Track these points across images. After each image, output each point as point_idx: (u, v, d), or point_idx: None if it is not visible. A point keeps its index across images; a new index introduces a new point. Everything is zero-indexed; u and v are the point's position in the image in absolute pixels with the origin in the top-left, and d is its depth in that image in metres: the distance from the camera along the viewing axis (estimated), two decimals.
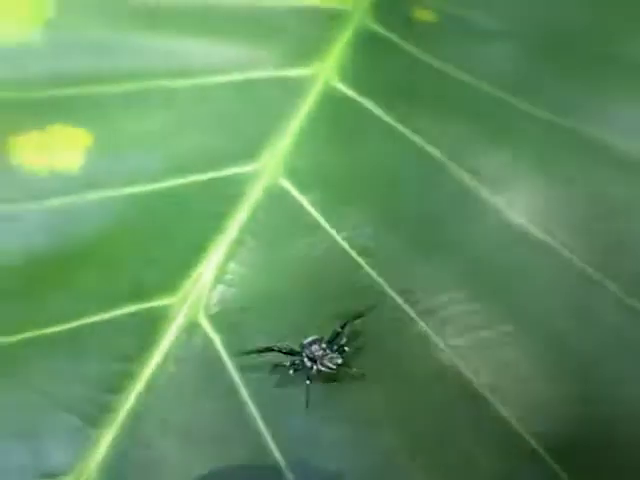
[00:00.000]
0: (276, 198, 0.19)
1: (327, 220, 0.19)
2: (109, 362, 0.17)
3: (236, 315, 0.17)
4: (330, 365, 0.17)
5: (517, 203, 0.19)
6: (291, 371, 0.17)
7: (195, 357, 0.17)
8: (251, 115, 0.22)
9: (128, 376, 0.17)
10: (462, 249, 0.18)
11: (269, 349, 0.17)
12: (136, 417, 0.16)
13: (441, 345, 0.17)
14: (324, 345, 0.17)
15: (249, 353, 0.17)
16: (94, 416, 0.16)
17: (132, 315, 0.18)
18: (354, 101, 0.22)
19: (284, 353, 0.17)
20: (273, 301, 0.18)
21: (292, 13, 0.24)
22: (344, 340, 0.17)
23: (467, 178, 0.20)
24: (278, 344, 0.17)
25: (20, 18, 0.24)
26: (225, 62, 0.23)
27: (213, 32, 0.24)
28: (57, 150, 0.21)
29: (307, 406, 0.16)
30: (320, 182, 0.19)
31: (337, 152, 0.20)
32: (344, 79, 0.22)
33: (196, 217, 0.19)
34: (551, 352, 0.17)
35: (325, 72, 0.22)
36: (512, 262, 0.18)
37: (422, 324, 0.17)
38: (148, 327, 0.18)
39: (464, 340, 0.17)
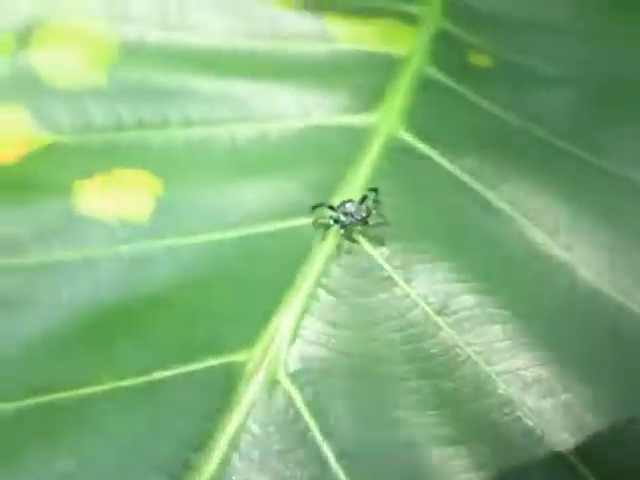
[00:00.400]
0: (348, 251, 0.19)
1: (401, 276, 0.19)
2: (190, 418, 0.17)
3: (317, 373, 0.17)
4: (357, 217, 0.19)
5: (585, 259, 0.19)
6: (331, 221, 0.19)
7: (277, 417, 0.17)
8: (315, 163, 0.22)
9: (210, 434, 0.17)
10: (537, 308, 0.18)
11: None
12: (220, 478, 0.16)
13: (524, 408, 0.17)
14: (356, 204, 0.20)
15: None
16: (179, 474, 0.16)
17: (210, 370, 0.18)
18: (418, 151, 0.22)
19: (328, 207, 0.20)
20: (353, 359, 0.18)
21: (350, 57, 0.24)
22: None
23: (536, 234, 0.20)
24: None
25: (84, 62, 0.24)
26: (287, 107, 0.23)
27: (275, 77, 0.24)
28: (124, 196, 0.21)
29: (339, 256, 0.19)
30: (391, 236, 0.20)
31: (404, 204, 0.21)
32: (407, 128, 0.22)
33: (269, 267, 0.20)
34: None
35: (388, 120, 0.23)
36: (586, 323, 0.18)
37: (503, 386, 0.17)
38: (227, 383, 0.18)
39: (547, 403, 0.17)
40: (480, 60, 0.25)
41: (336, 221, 0.19)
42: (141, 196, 0.21)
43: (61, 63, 0.24)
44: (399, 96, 0.23)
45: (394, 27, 0.26)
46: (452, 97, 0.24)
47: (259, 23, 0.25)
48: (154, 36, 0.24)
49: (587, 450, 0.16)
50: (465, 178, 0.21)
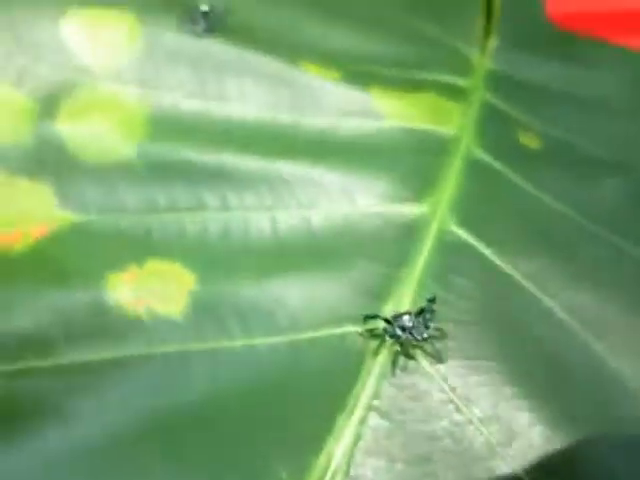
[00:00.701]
0: (403, 368, 0.18)
1: (462, 399, 0.18)
2: None
3: None
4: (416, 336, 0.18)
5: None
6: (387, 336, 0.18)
7: None
8: (363, 258, 0.21)
9: None
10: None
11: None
12: None
13: None
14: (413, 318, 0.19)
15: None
16: None
17: None
18: (472, 249, 0.20)
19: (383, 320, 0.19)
20: None
21: (398, 137, 0.23)
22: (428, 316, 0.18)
23: (592, 342, 0.19)
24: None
25: (114, 134, 0.22)
26: (331, 192, 0.22)
27: (320, 157, 0.22)
28: (158, 290, 0.20)
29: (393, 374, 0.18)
30: (450, 350, 0.18)
31: (462, 312, 0.19)
32: (459, 221, 0.21)
33: (317, 383, 0.18)
34: None
35: (439, 212, 0.21)
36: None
37: None
38: None
39: None
40: (529, 140, 0.24)
41: (392, 336, 0.18)
42: (176, 290, 0.20)
43: (89, 135, 0.22)
44: (449, 184, 0.22)
45: (440, 102, 0.24)
46: (503, 184, 0.22)
47: (302, 95, 0.23)
48: (190, 105, 0.23)
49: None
50: (524, 283, 0.20)
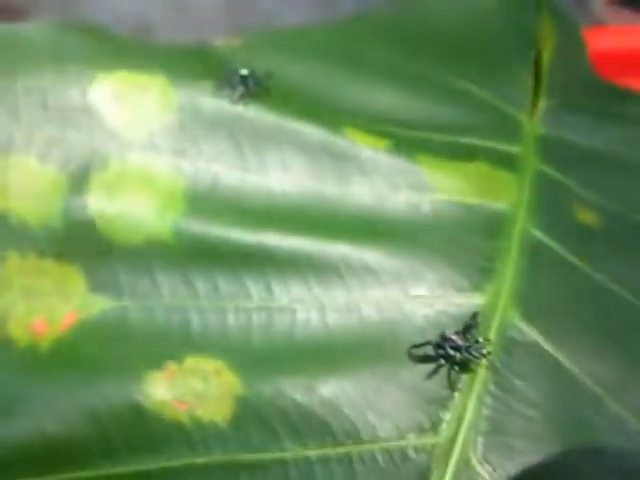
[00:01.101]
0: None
1: None
2: None
3: None
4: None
5: None
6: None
7: None
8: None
9: None
10: None
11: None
12: None
13: None
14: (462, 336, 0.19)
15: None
16: None
17: None
18: (536, 347, 0.19)
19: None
20: None
21: (451, 213, 0.22)
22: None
23: None
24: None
25: (148, 212, 0.20)
26: (381, 276, 0.20)
27: (369, 236, 0.21)
28: (200, 392, 0.18)
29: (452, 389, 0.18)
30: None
31: (524, 414, 0.18)
32: (522, 314, 0.19)
33: None
34: None
35: (501, 304, 0.20)
36: None
37: None
38: None
39: None
40: (588, 217, 0.23)
41: (446, 358, 0.18)
42: (219, 392, 0.18)
43: (120, 211, 0.20)
44: (508, 271, 0.20)
45: (491, 172, 0.23)
46: (563, 269, 0.21)
47: (347, 166, 0.22)
48: (228, 178, 0.21)
49: None
50: (588, 383, 0.19)
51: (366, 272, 0.20)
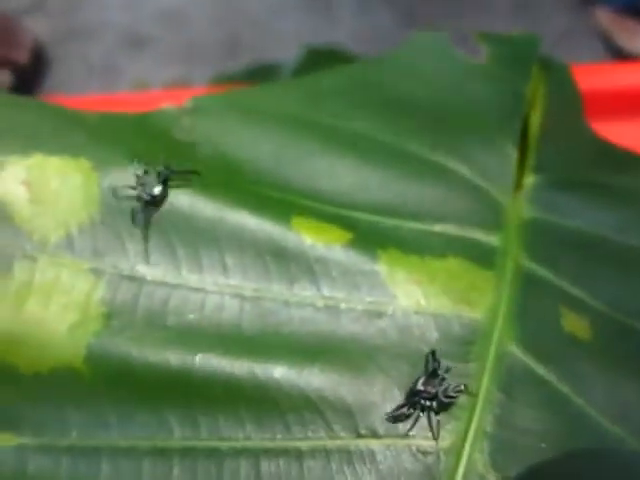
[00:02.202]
0: None
1: None
2: None
3: None
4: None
5: None
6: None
7: None
8: None
9: None
10: None
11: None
12: None
13: None
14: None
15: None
16: None
17: None
18: None
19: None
20: None
21: (418, 330, 0.19)
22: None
23: None
24: None
25: (59, 330, 0.18)
26: (328, 415, 0.17)
27: (314, 360, 0.18)
28: None
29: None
30: None
31: None
32: (489, 461, 0.17)
33: None
34: None
35: (465, 450, 0.17)
36: None
37: None
38: None
39: None
40: (576, 326, 0.19)
41: (423, 409, 0.17)
42: None
43: (25, 330, 0.17)
44: (477, 411, 0.17)
45: (467, 273, 0.20)
46: (547, 404, 0.18)
47: (296, 267, 0.19)
48: (155, 285, 0.18)
49: None
50: None
51: (308, 407, 0.17)
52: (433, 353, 0.18)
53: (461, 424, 0.17)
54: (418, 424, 0.17)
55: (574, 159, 0.24)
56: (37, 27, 0.95)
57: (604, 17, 0.93)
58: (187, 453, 0.16)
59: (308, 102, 0.24)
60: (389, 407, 0.17)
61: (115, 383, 0.17)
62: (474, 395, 0.17)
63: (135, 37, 0.96)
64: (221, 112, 0.23)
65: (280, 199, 0.20)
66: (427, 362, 0.18)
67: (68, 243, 0.18)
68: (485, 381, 0.18)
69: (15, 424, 0.17)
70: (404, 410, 0.17)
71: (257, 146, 0.22)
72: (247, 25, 0.96)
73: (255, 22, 0.98)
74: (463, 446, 0.17)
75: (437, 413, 0.17)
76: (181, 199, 0.19)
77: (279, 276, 0.19)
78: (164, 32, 0.95)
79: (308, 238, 0.19)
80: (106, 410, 0.17)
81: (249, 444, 0.17)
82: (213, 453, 0.16)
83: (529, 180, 0.23)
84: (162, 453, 0.16)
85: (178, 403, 0.17)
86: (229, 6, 1.00)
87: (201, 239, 0.19)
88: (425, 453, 0.17)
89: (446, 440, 0.17)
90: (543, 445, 0.17)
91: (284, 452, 0.16)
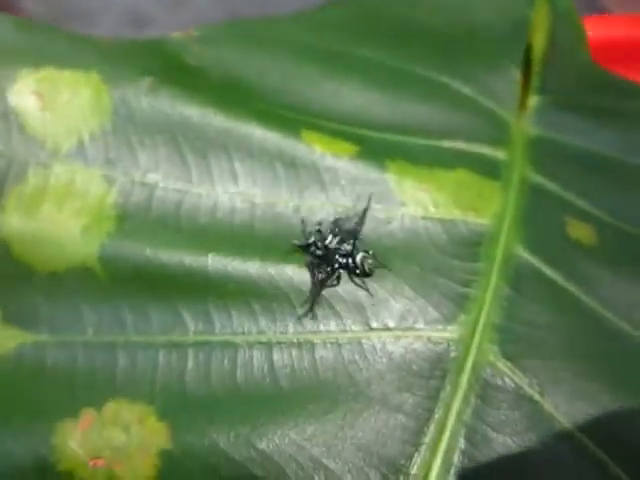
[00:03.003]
0: None
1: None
2: None
3: None
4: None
5: None
6: None
7: None
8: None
9: None
10: None
11: None
12: None
13: None
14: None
15: None
16: None
17: None
18: (517, 392, 0.16)
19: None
20: None
21: (424, 234, 0.19)
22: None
23: None
24: None
25: (74, 232, 0.18)
26: (341, 310, 0.18)
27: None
28: (120, 444, 0.16)
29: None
30: None
31: None
32: (501, 353, 0.17)
33: None
34: None
35: (475, 340, 0.17)
36: None
37: None
38: None
39: None
40: (582, 232, 0.20)
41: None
42: (141, 445, 0.16)
43: (40, 233, 0.18)
44: (488, 299, 0.18)
45: (473, 182, 0.20)
46: (551, 295, 0.18)
47: (305, 178, 0.19)
48: (167, 192, 0.18)
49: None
50: (574, 432, 0.16)
51: (319, 303, 0.17)
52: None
53: (470, 317, 0.17)
54: (430, 317, 0.17)
55: (576, 82, 0.24)
56: (34, 9, 0.96)
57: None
58: (201, 347, 0.17)
59: (315, 31, 0.24)
60: (399, 304, 0.17)
61: (129, 282, 0.17)
62: (482, 290, 0.18)
63: (135, 17, 0.96)
64: (229, 40, 0.23)
65: (289, 116, 0.21)
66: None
67: (80, 151, 0.19)
68: (494, 278, 0.18)
69: (32, 322, 0.17)
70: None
71: (265, 70, 0.22)
72: (247, 4, 0.96)
73: (256, 2, 0.98)
74: (473, 336, 0.17)
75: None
76: (191, 109, 0.19)
77: (289, 183, 0.19)
78: (164, 12, 0.95)
79: (318, 148, 0.20)
80: (121, 308, 0.17)
81: (262, 337, 0.17)
82: (227, 346, 0.17)
83: (533, 100, 0.23)
84: (177, 347, 0.17)
85: (192, 300, 0.17)
86: None
87: (211, 147, 0.19)
88: (436, 343, 0.17)
89: (456, 332, 0.17)
90: (552, 338, 0.17)
91: (297, 344, 0.17)
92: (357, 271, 0.18)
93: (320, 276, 0.17)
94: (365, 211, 0.18)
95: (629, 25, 0.35)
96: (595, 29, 0.32)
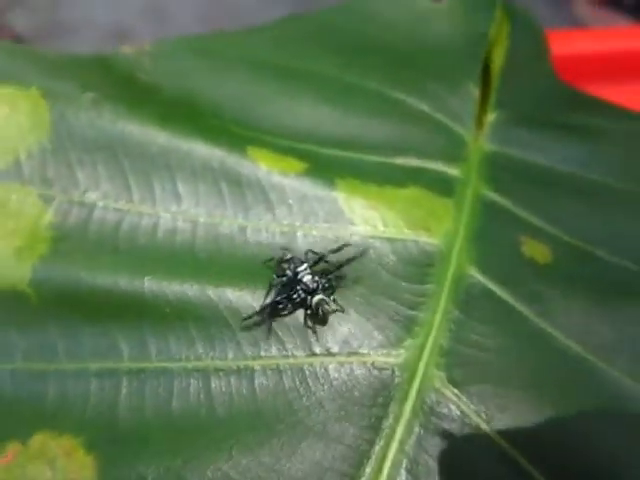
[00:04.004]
0: None
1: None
2: None
3: None
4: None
5: None
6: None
7: None
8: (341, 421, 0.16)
9: None
10: None
11: None
12: None
13: None
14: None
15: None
16: None
17: None
18: (462, 419, 0.16)
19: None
20: None
21: (373, 251, 0.18)
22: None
23: None
24: None
25: (6, 253, 0.17)
26: (283, 336, 0.17)
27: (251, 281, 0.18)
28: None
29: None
30: None
31: None
32: (445, 379, 0.16)
33: None
34: None
35: (420, 368, 0.16)
36: None
37: None
38: None
39: None
40: (537, 251, 0.19)
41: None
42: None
43: None
44: (436, 322, 0.17)
45: (425, 200, 0.19)
46: (502, 317, 0.17)
47: (252, 194, 0.18)
48: (106, 212, 0.18)
49: None
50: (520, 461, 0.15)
51: (262, 334, 0.17)
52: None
53: (417, 340, 0.17)
54: (375, 342, 0.17)
55: (536, 98, 0.24)
56: (18, 23, 0.95)
57: (583, 9, 0.94)
58: (136, 374, 0.16)
59: (273, 46, 0.24)
60: (344, 327, 0.17)
61: (62, 306, 0.17)
62: (432, 313, 0.17)
63: (119, 32, 0.95)
64: (183, 55, 0.23)
65: (237, 132, 0.20)
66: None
67: (16, 169, 0.18)
68: (443, 300, 0.17)
69: None
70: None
71: (220, 86, 0.21)
72: (232, 21, 0.96)
73: (239, 18, 0.98)
74: (419, 361, 0.16)
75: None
76: (133, 126, 0.19)
77: (234, 202, 0.18)
78: (148, 27, 0.95)
79: (263, 166, 0.19)
80: (53, 334, 0.16)
81: (200, 364, 0.16)
82: (162, 373, 0.16)
83: (491, 117, 0.22)
84: (110, 374, 0.16)
85: (127, 324, 0.16)
86: (213, 1, 1.00)
87: (153, 166, 0.18)
88: (380, 369, 0.16)
89: (401, 356, 0.16)
90: (501, 361, 0.17)
91: (236, 371, 0.16)
92: (311, 312, 0.17)
93: (277, 304, 0.17)
94: (339, 249, 0.18)
95: (603, 39, 0.35)
96: (568, 44, 0.32)
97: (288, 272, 0.17)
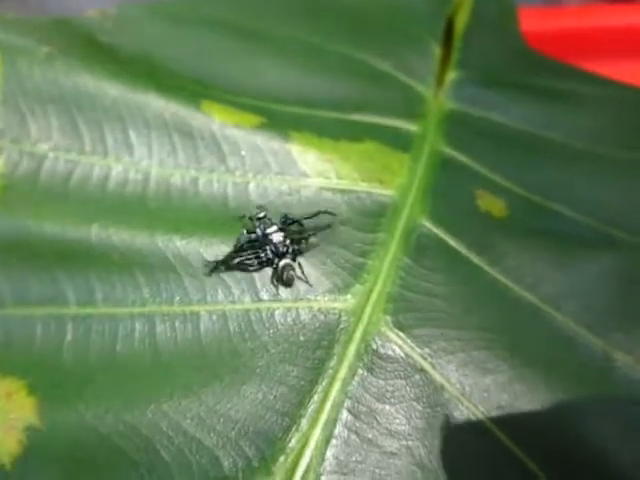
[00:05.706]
0: None
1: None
2: None
3: None
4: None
5: None
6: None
7: None
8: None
9: None
10: None
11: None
12: None
13: None
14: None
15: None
16: None
17: None
18: (407, 362, 0.16)
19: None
20: None
21: (323, 204, 0.18)
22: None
23: None
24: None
25: None
26: (230, 283, 0.17)
27: (221, 232, 0.18)
28: None
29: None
30: None
31: None
32: (391, 323, 0.16)
33: None
34: None
35: (369, 311, 0.16)
36: None
37: None
38: None
39: None
40: (492, 205, 0.19)
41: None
42: (6, 422, 0.15)
43: None
44: (384, 269, 0.17)
45: (382, 155, 0.19)
46: (453, 265, 0.17)
47: (204, 146, 0.18)
48: (56, 163, 0.17)
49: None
50: (466, 406, 0.15)
51: (212, 280, 0.17)
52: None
53: (365, 287, 0.17)
54: (322, 287, 0.17)
55: (499, 59, 0.23)
56: (12, 10, 0.95)
57: None
58: (82, 319, 0.16)
59: (234, 9, 0.24)
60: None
61: (9, 253, 0.16)
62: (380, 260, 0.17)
63: None
64: (145, 18, 0.22)
65: (194, 89, 0.20)
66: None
67: None
68: (393, 248, 0.17)
69: None
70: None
71: (180, 46, 0.21)
72: None
73: None
74: (365, 306, 0.16)
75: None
76: (86, 79, 0.19)
77: (186, 154, 0.18)
78: None
79: (217, 118, 0.19)
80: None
81: (145, 310, 0.16)
82: (108, 318, 0.16)
83: (452, 75, 0.22)
84: (56, 319, 0.16)
85: (74, 271, 0.16)
86: None
87: (106, 117, 0.18)
88: (326, 314, 0.16)
89: (348, 302, 0.16)
90: (449, 308, 0.17)
91: (181, 315, 0.16)
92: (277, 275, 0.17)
93: (245, 259, 0.17)
94: (315, 215, 0.17)
95: (580, 16, 0.34)
96: (548, 21, 0.32)
97: (258, 230, 0.17)
